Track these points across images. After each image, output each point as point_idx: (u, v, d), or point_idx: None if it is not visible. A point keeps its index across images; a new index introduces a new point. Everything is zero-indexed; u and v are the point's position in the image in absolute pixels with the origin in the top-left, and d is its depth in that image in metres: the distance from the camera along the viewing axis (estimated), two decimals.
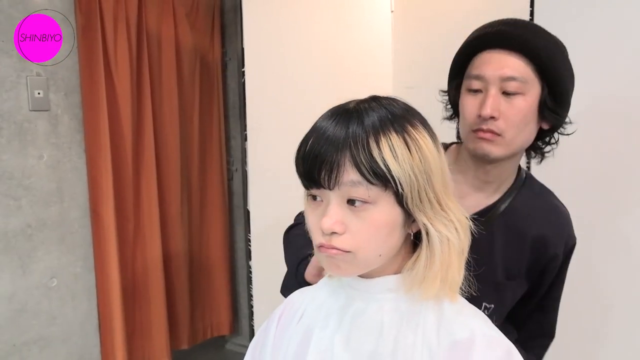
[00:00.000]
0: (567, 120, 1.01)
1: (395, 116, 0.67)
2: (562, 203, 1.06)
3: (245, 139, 1.95)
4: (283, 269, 2.07)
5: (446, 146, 1.10)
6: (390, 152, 0.63)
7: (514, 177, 1.04)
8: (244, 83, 1.92)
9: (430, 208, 0.67)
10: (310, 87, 1.98)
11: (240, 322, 2.95)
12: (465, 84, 0.97)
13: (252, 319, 2.03)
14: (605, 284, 1.57)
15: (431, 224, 0.67)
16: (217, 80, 2.72)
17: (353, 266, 0.68)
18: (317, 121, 0.69)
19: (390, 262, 0.71)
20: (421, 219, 0.67)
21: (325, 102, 1.93)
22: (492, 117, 0.92)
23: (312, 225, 0.69)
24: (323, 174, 0.64)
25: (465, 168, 1.03)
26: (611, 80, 1.56)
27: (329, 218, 0.65)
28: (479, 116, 0.93)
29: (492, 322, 0.72)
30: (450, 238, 0.68)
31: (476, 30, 1.00)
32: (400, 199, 0.66)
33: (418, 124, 0.68)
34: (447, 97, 1.07)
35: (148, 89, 2.30)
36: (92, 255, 2.13)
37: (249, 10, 1.89)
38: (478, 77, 0.94)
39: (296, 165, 0.69)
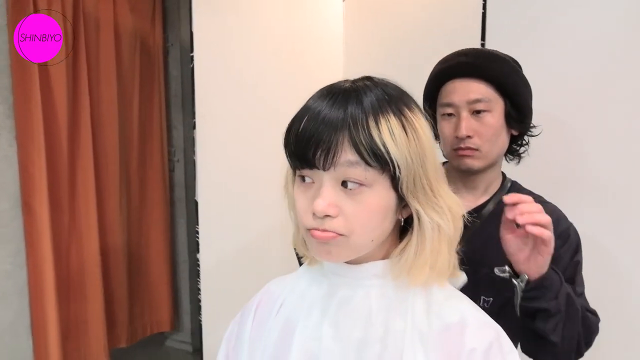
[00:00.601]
0: (532, 124, 1.17)
1: (391, 97, 0.65)
2: (550, 203, 1.16)
3: (194, 127, 1.87)
4: (233, 261, 2.02)
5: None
6: (389, 134, 0.62)
7: (499, 181, 1.18)
8: (192, 69, 1.84)
9: (423, 194, 0.66)
10: (260, 75, 1.94)
11: (182, 319, 2.85)
12: (439, 110, 1.13)
13: (200, 314, 1.95)
14: None
15: (423, 209, 0.66)
16: (158, 67, 2.60)
17: (345, 251, 0.66)
18: (309, 101, 0.67)
19: (378, 248, 0.70)
20: (413, 204, 0.66)
21: (276, 90, 1.87)
22: (468, 136, 1.07)
23: (301, 208, 0.66)
24: (319, 154, 0.62)
25: (453, 179, 1.13)
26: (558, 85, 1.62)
27: (323, 200, 0.62)
28: (457, 137, 1.08)
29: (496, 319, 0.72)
30: (442, 225, 0.67)
31: (439, 64, 1.17)
32: (395, 183, 0.64)
33: (414, 106, 0.67)
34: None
35: (85, 74, 2.16)
36: (24, 250, 1.98)
37: None
38: (449, 105, 1.10)
39: (286, 145, 0.66)
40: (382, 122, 0.62)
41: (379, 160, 0.62)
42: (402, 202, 0.67)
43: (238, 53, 1.91)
